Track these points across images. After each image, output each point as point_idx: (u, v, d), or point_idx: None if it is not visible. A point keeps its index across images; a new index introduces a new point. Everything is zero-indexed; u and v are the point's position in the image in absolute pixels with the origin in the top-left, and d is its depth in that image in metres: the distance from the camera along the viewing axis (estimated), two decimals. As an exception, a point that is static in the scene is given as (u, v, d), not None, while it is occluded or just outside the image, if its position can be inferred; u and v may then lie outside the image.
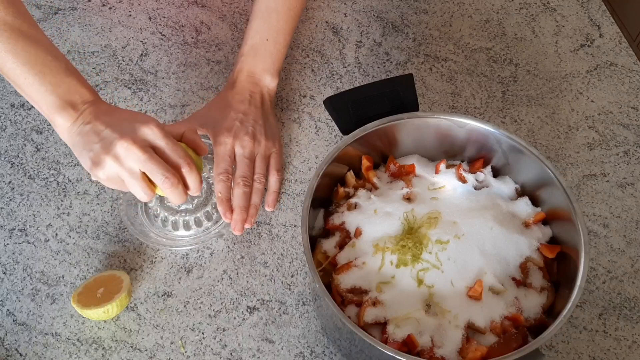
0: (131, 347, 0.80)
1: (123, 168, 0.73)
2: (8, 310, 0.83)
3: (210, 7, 1.11)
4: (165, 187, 0.74)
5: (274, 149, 0.92)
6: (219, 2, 1.12)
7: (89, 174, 0.92)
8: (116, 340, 0.81)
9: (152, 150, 0.74)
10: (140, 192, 0.74)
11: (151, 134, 0.74)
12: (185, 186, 0.76)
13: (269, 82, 0.95)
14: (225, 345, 0.81)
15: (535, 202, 0.81)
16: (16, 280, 0.85)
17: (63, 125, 0.76)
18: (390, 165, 0.84)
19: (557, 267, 0.77)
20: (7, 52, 0.74)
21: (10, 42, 0.74)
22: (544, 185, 0.78)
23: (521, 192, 0.83)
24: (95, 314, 0.79)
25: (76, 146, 0.76)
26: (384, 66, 1.06)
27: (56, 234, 0.88)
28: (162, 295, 0.84)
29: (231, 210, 0.86)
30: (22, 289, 0.84)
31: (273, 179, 0.91)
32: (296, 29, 1.04)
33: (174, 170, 0.74)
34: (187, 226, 0.87)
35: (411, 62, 1.06)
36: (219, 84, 1.02)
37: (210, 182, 0.91)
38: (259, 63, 0.94)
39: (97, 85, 1.01)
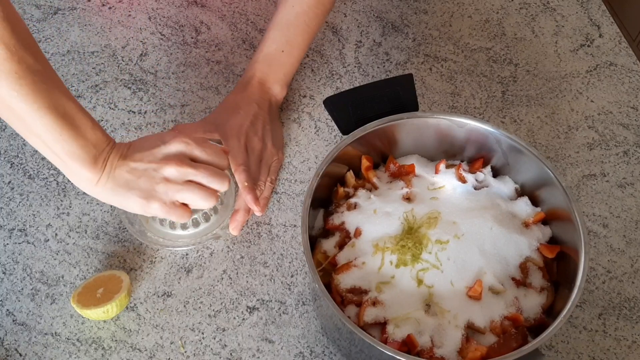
0: (131, 347, 0.80)
1: (177, 187, 0.75)
2: (8, 310, 0.83)
3: (210, 7, 1.11)
4: (223, 187, 0.78)
5: (276, 157, 0.93)
6: (219, 2, 1.12)
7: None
8: (116, 340, 0.81)
9: (193, 162, 0.76)
10: (202, 197, 0.77)
11: (184, 147, 0.76)
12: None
13: (278, 92, 0.96)
14: (225, 345, 0.81)
15: (535, 202, 0.81)
16: (16, 280, 0.85)
17: (91, 179, 0.74)
18: (390, 165, 0.84)
19: (556, 267, 0.77)
20: (36, 102, 0.67)
21: (41, 89, 0.67)
22: (543, 185, 0.78)
23: (521, 192, 0.83)
24: (95, 314, 0.79)
25: (116, 194, 0.75)
26: (384, 66, 1.06)
27: (56, 234, 0.88)
28: (162, 295, 0.84)
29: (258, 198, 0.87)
30: (22, 289, 0.84)
31: (266, 185, 0.91)
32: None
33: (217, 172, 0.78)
34: (184, 226, 0.87)
35: (411, 62, 1.06)
36: (219, 84, 1.02)
37: None
38: (271, 72, 0.95)
39: (96, 85, 1.01)
